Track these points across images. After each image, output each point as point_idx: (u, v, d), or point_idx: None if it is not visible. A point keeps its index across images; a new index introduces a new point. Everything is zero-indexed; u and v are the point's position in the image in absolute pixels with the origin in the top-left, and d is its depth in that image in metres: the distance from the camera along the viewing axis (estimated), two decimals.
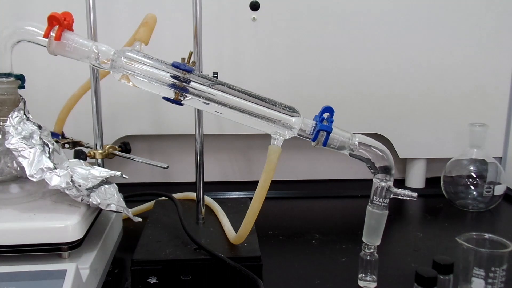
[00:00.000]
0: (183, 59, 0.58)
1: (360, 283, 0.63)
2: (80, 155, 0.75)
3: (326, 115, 0.59)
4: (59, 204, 0.57)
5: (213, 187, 0.96)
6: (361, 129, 0.71)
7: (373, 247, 0.61)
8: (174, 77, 0.57)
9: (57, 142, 0.67)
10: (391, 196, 0.60)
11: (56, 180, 0.55)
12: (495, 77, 1.02)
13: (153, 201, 0.84)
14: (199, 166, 0.72)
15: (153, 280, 0.61)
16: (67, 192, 0.55)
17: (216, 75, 0.70)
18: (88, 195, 0.56)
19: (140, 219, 0.61)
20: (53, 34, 0.56)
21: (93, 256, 0.57)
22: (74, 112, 0.84)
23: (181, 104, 0.59)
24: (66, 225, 0.52)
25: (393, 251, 0.74)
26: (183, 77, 0.57)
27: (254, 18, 0.94)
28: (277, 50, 0.96)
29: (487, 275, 0.55)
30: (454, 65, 1.00)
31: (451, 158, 0.96)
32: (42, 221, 0.53)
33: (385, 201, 0.60)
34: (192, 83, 0.57)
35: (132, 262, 0.62)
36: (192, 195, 0.80)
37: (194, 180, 0.73)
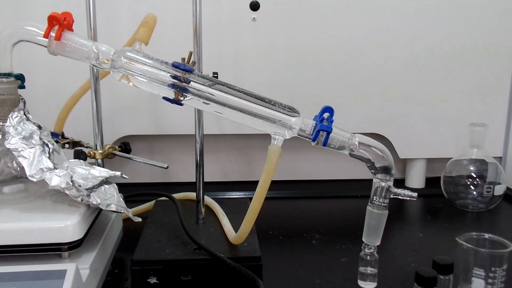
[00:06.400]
0: (183, 59, 0.58)
1: (360, 283, 0.63)
2: (80, 155, 0.75)
3: (326, 115, 0.59)
4: (59, 204, 0.57)
5: (213, 187, 0.96)
6: (361, 129, 0.71)
7: (373, 247, 0.61)
8: (174, 77, 0.57)
9: (57, 142, 0.68)
10: (391, 196, 0.60)
11: (56, 180, 0.55)
12: (495, 77, 1.02)
13: (153, 201, 0.84)
14: (199, 166, 0.72)
15: (153, 280, 0.61)
16: (67, 192, 0.55)
17: (216, 75, 0.70)
18: (88, 195, 0.56)
19: (140, 219, 0.61)
20: (53, 34, 0.56)
21: (93, 256, 0.57)
22: (74, 112, 0.84)
23: (181, 104, 0.59)
24: (66, 225, 0.52)
25: (393, 251, 0.74)
26: (183, 77, 0.57)
27: (254, 18, 0.94)
28: (277, 50, 0.96)
29: (487, 275, 0.55)
30: (454, 65, 1.00)
31: (451, 158, 0.96)
32: (42, 221, 0.53)
33: (385, 201, 0.60)
34: (192, 83, 0.57)
35: (132, 262, 0.62)
36: (192, 195, 0.80)
37: (194, 180, 0.73)
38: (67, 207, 0.56)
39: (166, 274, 0.62)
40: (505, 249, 0.56)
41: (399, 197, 0.60)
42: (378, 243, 0.61)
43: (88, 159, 0.75)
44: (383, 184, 0.59)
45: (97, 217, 0.61)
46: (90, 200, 0.56)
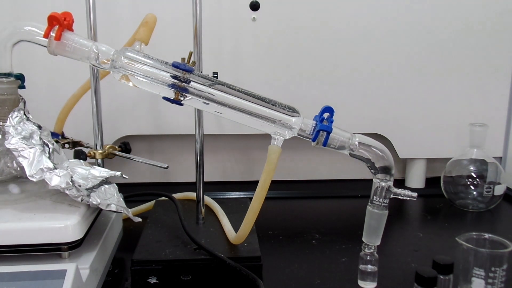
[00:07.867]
0: (183, 59, 0.58)
1: (360, 283, 0.63)
2: (80, 155, 0.75)
3: (326, 115, 0.59)
4: (59, 204, 0.57)
5: (213, 187, 0.96)
6: (361, 129, 0.71)
7: (373, 247, 0.61)
8: (174, 77, 0.57)
9: (57, 142, 0.67)
10: (391, 196, 0.60)
11: (56, 180, 0.55)
12: (495, 77, 1.02)
13: (153, 201, 0.84)
14: (199, 166, 0.72)
15: (153, 280, 0.61)
16: (67, 192, 0.55)
17: (216, 75, 0.70)
18: (88, 195, 0.56)
19: (140, 219, 0.61)
20: (53, 34, 0.56)
21: (93, 256, 0.57)
22: (74, 112, 0.84)
23: (181, 104, 0.59)
24: (66, 225, 0.52)
25: (393, 251, 0.74)
26: (183, 77, 0.57)
27: (254, 18, 0.94)
28: (277, 50, 0.96)
29: (487, 275, 0.55)
30: (454, 65, 1.00)
31: (451, 158, 0.96)
32: (42, 221, 0.53)
33: (385, 201, 0.60)
34: (192, 83, 0.57)
35: (132, 262, 0.62)
36: (192, 195, 0.80)
37: (194, 180, 0.73)
38: (67, 207, 0.56)
39: (166, 274, 0.62)
40: (505, 249, 0.56)
41: (399, 197, 0.60)
42: (378, 243, 0.61)
43: (88, 159, 0.75)
44: (383, 184, 0.59)
45: (97, 217, 0.61)
46: (90, 200, 0.56)
